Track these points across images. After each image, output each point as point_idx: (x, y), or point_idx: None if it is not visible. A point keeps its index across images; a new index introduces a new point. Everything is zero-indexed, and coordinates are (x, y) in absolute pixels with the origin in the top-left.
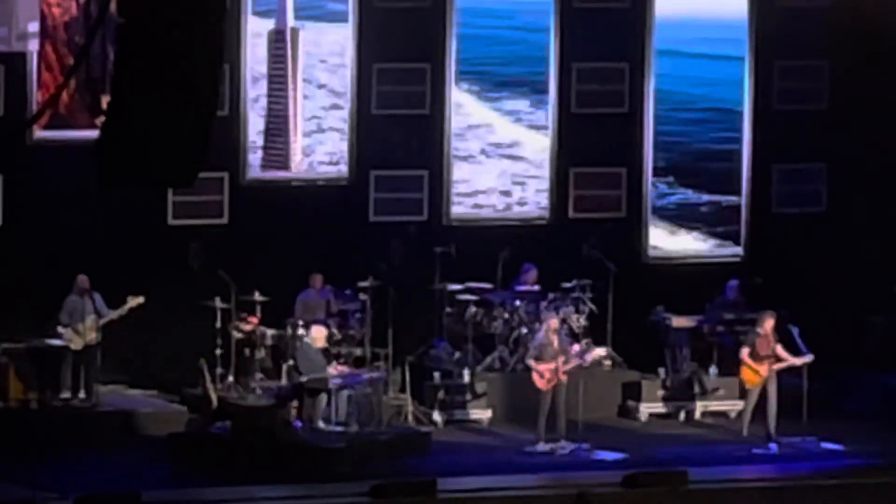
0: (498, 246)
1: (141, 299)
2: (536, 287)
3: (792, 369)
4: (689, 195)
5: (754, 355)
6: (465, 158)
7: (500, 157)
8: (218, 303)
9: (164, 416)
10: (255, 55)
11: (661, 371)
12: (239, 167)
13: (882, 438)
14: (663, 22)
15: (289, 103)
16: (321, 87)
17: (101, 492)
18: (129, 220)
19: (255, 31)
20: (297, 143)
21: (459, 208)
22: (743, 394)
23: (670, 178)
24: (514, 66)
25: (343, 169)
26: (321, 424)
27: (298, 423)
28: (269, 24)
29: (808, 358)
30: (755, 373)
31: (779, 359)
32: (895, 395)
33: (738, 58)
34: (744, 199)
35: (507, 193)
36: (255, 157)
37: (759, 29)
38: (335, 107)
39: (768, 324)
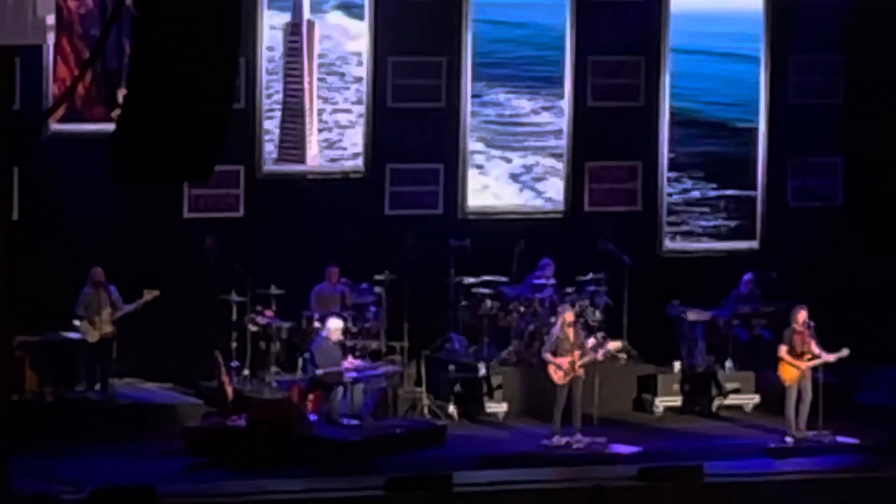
0: (513, 239)
1: (156, 293)
2: (552, 280)
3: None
4: (705, 188)
5: (792, 352)
6: (480, 152)
7: (515, 151)
8: (233, 296)
9: (180, 409)
10: (271, 48)
11: (677, 365)
12: (255, 160)
13: None
14: (679, 16)
15: (304, 96)
16: (337, 80)
17: (116, 484)
18: (144, 214)
19: (271, 24)
20: (313, 137)
21: (475, 202)
22: (758, 387)
23: (686, 172)
24: (529, 60)
25: (359, 162)
26: (336, 418)
27: (314, 417)
28: (285, 16)
29: (844, 353)
30: (794, 369)
31: (815, 355)
32: None
33: (753, 51)
34: (759, 193)
35: (522, 187)
36: (270, 151)
37: (774, 22)
38: (351, 100)
39: (801, 317)
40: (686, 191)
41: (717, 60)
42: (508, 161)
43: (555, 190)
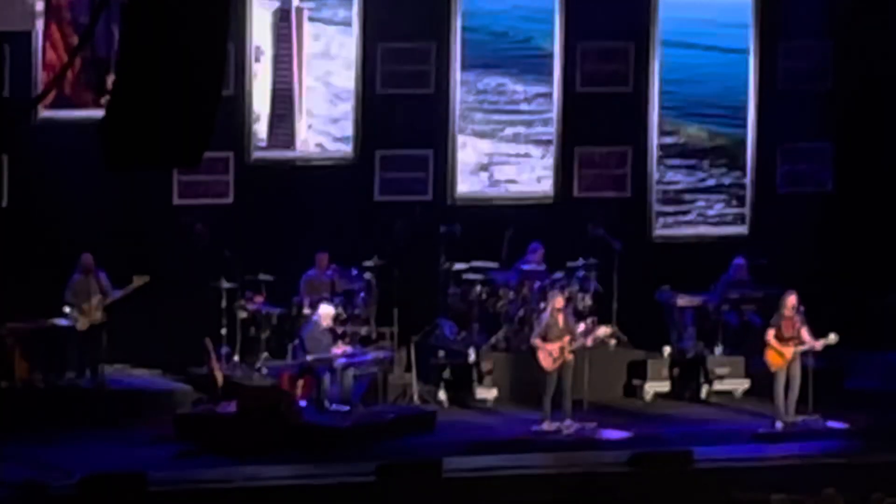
0: (503, 225)
1: (146, 278)
2: (542, 266)
3: None
4: (695, 174)
5: (780, 337)
6: (469, 138)
7: (504, 136)
8: (223, 282)
9: (170, 395)
10: (260, 34)
11: (667, 350)
12: (244, 147)
13: (888, 418)
14: (668, 2)
15: (294, 83)
16: (326, 66)
17: (106, 471)
18: (134, 200)
19: (260, 10)
20: (302, 123)
21: (464, 187)
22: (748, 373)
23: (675, 158)
24: (518, 46)
25: (348, 148)
26: (326, 404)
27: (304, 403)
28: (274, 3)
29: (831, 339)
30: (780, 355)
31: (802, 341)
32: None
33: (742, 37)
34: (749, 179)
35: (511, 173)
36: (260, 137)
37: (763, 8)
38: (340, 86)
39: (790, 302)
40: (676, 176)
41: (706, 46)
42: (497, 147)
43: (544, 175)
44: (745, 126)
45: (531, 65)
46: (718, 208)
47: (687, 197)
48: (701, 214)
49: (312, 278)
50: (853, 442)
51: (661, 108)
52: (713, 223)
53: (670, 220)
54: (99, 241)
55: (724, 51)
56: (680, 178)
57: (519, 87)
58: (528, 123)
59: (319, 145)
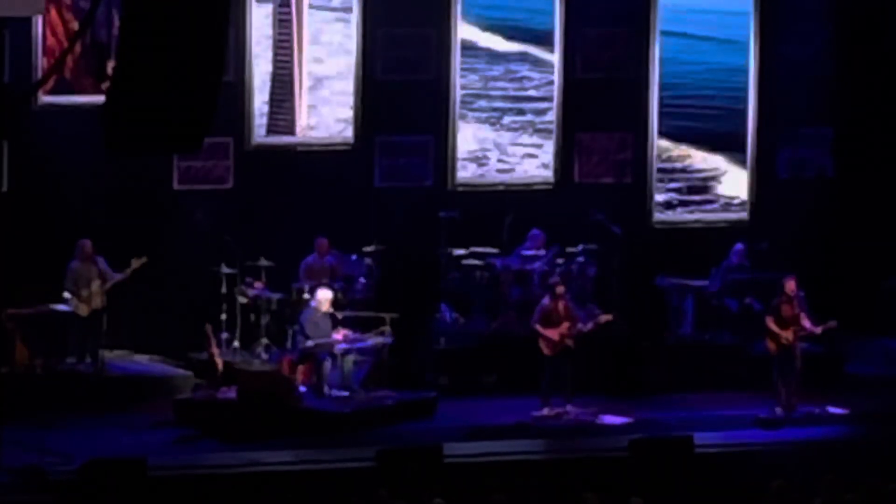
0: (503, 211)
1: (144, 259)
2: (542, 252)
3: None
4: (695, 159)
5: (780, 322)
6: (469, 123)
7: (505, 122)
8: (223, 268)
9: (170, 381)
10: (261, 20)
11: (667, 336)
12: (244, 132)
13: (888, 403)
14: None
15: (294, 68)
16: (327, 52)
17: (107, 456)
18: (134, 186)
19: None
20: (303, 108)
21: (464, 173)
22: (748, 358)
23: (676, 143)
24: (518, 31)
25: (348, 134)
26: (326, 389)
27: (304, 388)
28: None
29: (831, 324)
30: (780, 340)
31: (802, 326)
32: None
33: (744, 22)
34: (749, 164)
35: (512, 158)
36: (260, 123)
37: None
38: (340, 72)
39: (789, 287)
40: (676, 161)
41: (707, 31)
42: (498, 132)
43: (545, 161)
44: (745, 111)
45: (531, 51)
46: (719, 193)
47: (687, 183)
48: (701, 199)
49: (312, 264)
50: (854, 427)
51: (662, 92)
52: (714, 209)
53: (670, 205)
54: (99, 226)
55: (726, 33)
56: (680, 164)
57: (519, 73)
58: (529, 110)
59: (319, 131)
